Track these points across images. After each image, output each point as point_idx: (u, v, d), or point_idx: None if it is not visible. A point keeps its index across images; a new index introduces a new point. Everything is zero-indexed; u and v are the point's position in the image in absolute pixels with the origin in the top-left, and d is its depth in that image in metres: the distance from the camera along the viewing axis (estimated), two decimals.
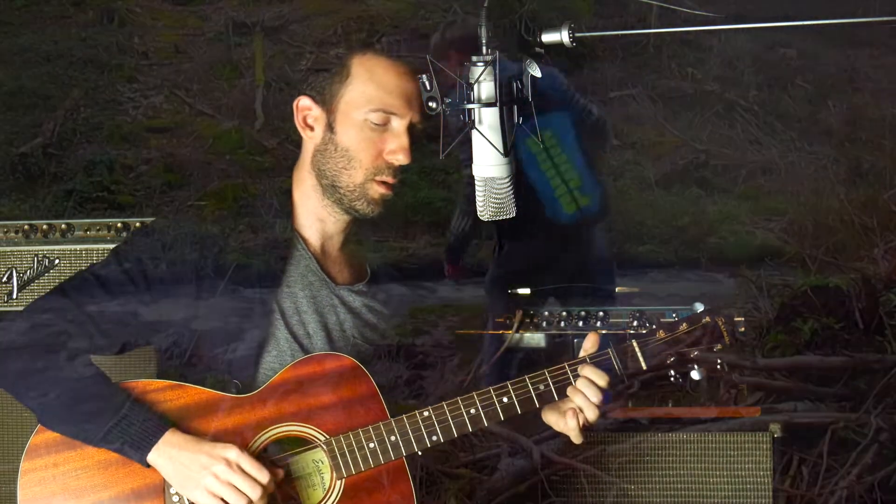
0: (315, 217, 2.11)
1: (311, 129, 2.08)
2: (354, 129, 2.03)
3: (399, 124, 2.01)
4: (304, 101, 2.09)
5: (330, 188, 2.06)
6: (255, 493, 1.87)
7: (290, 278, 2.08)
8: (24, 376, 1.94)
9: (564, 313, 2.91)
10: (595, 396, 1.98)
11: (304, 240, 2.10)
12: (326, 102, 2.06)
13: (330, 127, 2.05)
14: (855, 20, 1.58)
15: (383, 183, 2.04)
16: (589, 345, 2.06)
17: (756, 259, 7.10)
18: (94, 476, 1.93)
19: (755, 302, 5.40)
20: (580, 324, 2.91)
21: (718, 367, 2.05)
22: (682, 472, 2.81)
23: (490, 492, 3.47)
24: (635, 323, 2.85)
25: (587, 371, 2.00)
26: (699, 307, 2.06)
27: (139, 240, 2.06)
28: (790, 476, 3.88)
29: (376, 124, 2.01)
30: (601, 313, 2.90)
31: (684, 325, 2.06)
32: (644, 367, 2.04)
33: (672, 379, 2.06)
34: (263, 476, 1.88)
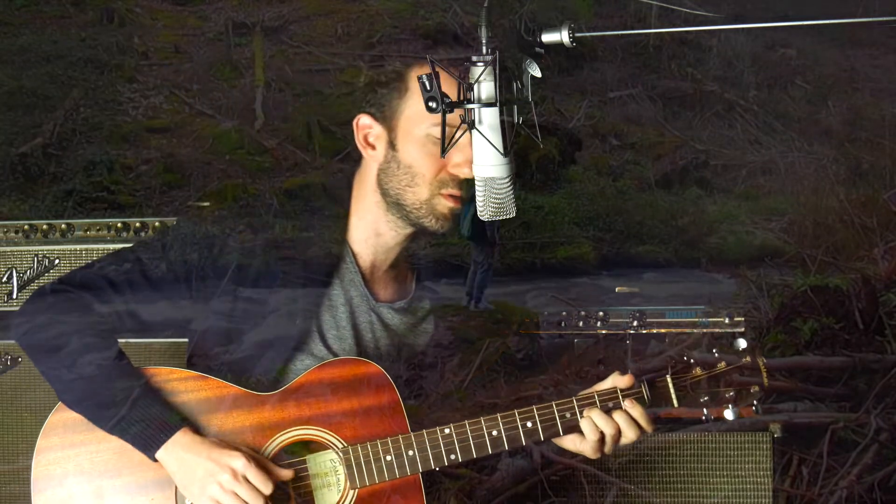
0: (373, 232, 2.06)
1: (373, 147, 2.01)
2: (416, 146, 1.96)
3: (463, 136, 1.90)
4: (364, 120, 2.02)
5: (395, 206, 2.00)
6: (257, 503, 1.88)
7: (332, 291, 2.05)
8: (48, 353, 1.93)
9: (564, 313, 2.90)
10: (633, 434, 1.92)
11: (355, 254, 2.07)
12: (387, 119, 2.00)
13: (392, 144, 1.99)
14: (855, 20, 1.57)
15: (450, 196, 1.97)
16: (622, 383, 1.97)
17: (756, 259, 7.12)
18: (109, 461, 1.92)
19: (755, 302, 5.41)
20: (580, 324, 2.91)
21: (753, 408, 1.91)
22: (682, 472, 2.81)
23: (490, 492, 3.47)
24: (635, 323, 2.85)
25: (636, 412, 1.93)
26: (741, 344, 1.92)
27: (184, 232, 2.03)
28: (790, 476, 3.89)
29: (439, 138, 1.92)
30: (601, 313, 2.89)
31: (722, 363, 1.91)
32: (676, 405, 1.93)
33: (703, 418, 1.92)
34: (268, 488, 1.87)
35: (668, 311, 2.82)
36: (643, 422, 1.93)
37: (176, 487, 1.91)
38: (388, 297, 2.11)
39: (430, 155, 1.95)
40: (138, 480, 1.91)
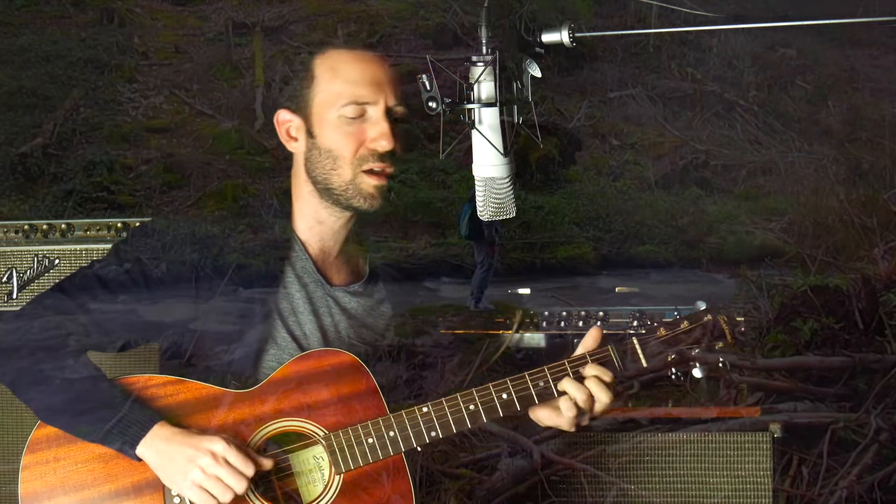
0: (315, 220, 2.12)
1: (295, 139, 2.09)
2: (331, 128, 2.04)
3: (375, 111, 2.02)
4: (283, 115, 2.10)
5: (326, 192, 2.07)
6: (240, 486, 1.89)
7: (287, 280, 2.10)
8: (23, 375, 1.95)
9: (564, 313, 2.91)
10: (605, 396, 1.97)
11: (303, 242, 2.12)
12: (301, 110, 2.07)
13: (310, 133, 2.06)
14: (855, 20, 1.58)
15: (372, 173, 2.03)
16: (590, 341, 2.05)
17: (756, 259, 7.12)
18: (95, 470, 1.94)
19: (755, 302, 5.41)
20: (580, 324, 2.91)
21: (720, 365, 2.05)
22: (682, 472, 2.81)
23: (490, 492, 3.48)
24: (635, 323, 2.86)
25: (593, 370, 1.99)
26: (701, 305, 2.06)
27: (139, 239, 2.07)
28: (790, 476, 3.89)
29: (352, 118, 2.02)
30: (601, 313, 2.90)
31: (685, 323, 2.04)
32: (644, 365, 2.03)
33: (673, 377, 2.05)
34: (249, 469, 1.89)
35: (668, 311, 2.82)
36: (607, 378, 1.98)
37: (163, 488, 1.92)
38: (343, 281, 2.15)
39: (346, 135, 2.02)
40: (125, 486, 1.93)
